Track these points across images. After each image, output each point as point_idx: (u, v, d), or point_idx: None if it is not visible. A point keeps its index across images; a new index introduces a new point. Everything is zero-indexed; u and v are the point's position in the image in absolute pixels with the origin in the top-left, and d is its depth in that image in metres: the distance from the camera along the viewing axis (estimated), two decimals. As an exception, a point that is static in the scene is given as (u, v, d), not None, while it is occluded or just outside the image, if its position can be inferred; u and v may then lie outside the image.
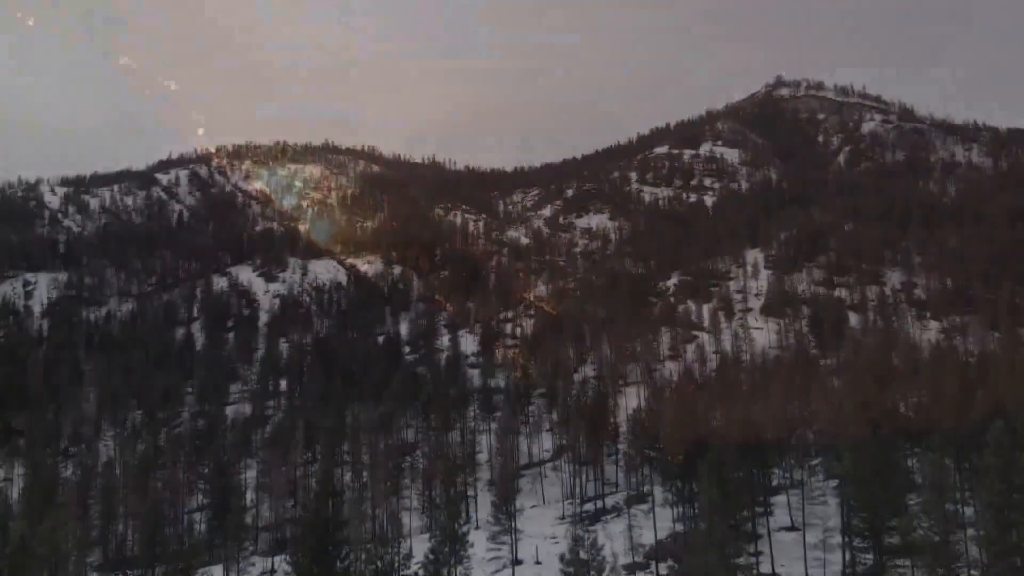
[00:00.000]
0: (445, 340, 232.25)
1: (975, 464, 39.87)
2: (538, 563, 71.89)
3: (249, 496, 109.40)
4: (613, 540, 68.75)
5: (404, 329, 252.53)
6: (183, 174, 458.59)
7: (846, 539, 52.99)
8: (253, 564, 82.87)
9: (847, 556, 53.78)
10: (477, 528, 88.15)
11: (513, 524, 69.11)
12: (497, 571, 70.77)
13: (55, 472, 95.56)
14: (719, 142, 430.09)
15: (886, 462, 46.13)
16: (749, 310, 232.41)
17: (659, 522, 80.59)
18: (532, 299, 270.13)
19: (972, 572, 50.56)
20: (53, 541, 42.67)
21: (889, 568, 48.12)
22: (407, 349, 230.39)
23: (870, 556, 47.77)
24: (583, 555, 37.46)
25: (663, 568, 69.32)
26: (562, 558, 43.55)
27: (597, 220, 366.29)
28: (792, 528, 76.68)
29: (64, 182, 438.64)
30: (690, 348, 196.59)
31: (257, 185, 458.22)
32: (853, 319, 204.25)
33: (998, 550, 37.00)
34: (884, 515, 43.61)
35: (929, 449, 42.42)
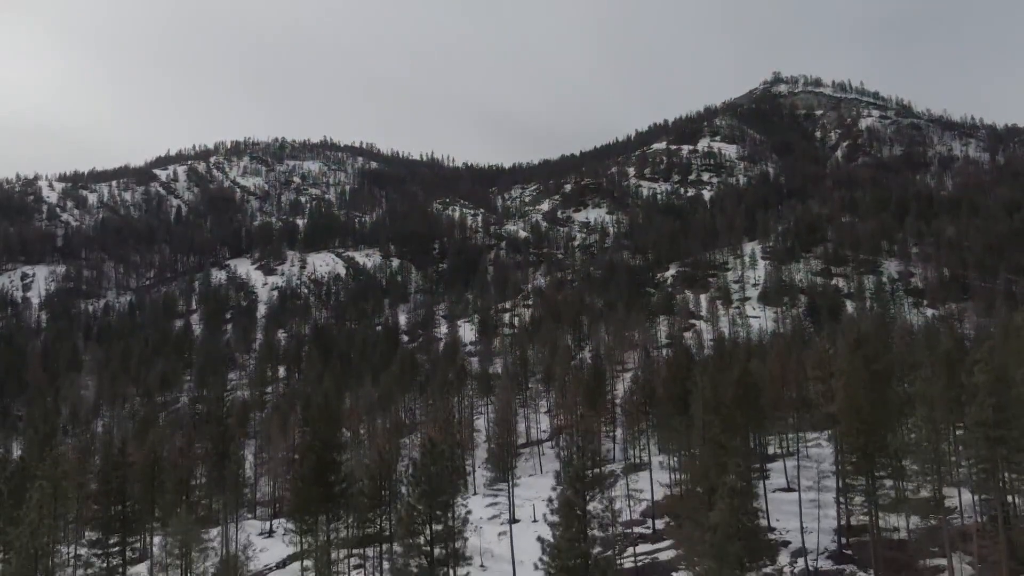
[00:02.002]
0: (443, 329, 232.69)
1: (967, 386, 40.40)
2: (535, 521, 72.40)
3: (248, 474, 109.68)
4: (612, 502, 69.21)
5: (403, 320, 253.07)
6: (181, 170, 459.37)
7: (839, 466, 53.31)
8: (250, 522, 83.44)
9: (841, 482, 54.29)
10: (475, 494, 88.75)
11: (511, 477, 69.41)
12: (493, 517, 71.25)
13: (54, 424, 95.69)
14: (717, 138, 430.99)
15: (880, 393, 46.49)
16: (747, 299, 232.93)
17: (656, 488, 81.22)
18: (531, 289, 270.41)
19: (963, 490, 51.29)
20: (54, 476, 42.98)
21: (880, 494, 48.59)
22: (405, 339, 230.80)
23: (862, 482, 48.07)
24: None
25: (659, 523, 70.05)
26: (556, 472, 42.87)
27: (595, 214, 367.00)
28: (788, 489, 77.33)
29: (62, 178, 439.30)
30: (687, 336, 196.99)
31: (256, 181, 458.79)
32: (850, 307, 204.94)
33: (986, 468, 37.44)
34: (877, 439, 43.87)
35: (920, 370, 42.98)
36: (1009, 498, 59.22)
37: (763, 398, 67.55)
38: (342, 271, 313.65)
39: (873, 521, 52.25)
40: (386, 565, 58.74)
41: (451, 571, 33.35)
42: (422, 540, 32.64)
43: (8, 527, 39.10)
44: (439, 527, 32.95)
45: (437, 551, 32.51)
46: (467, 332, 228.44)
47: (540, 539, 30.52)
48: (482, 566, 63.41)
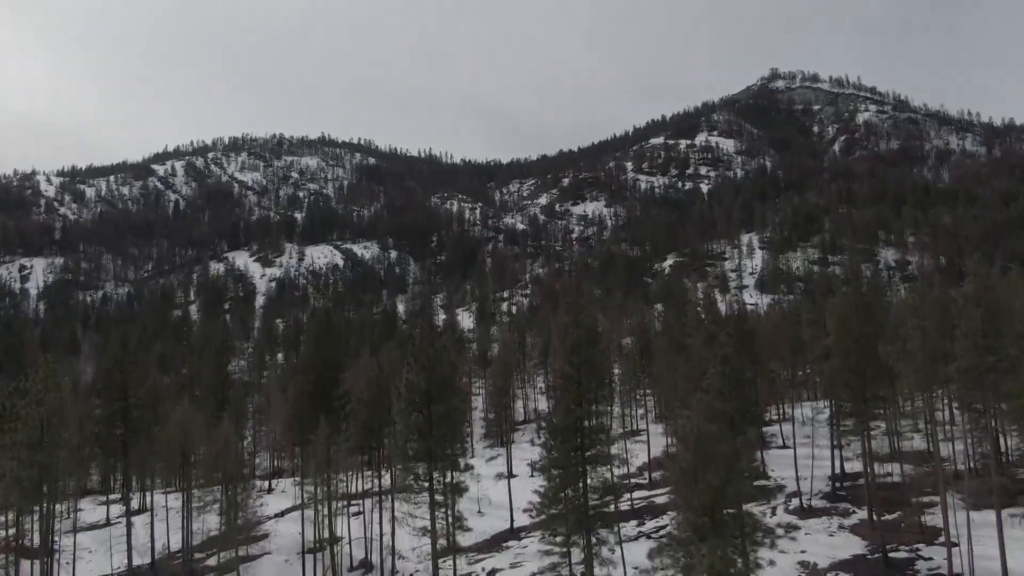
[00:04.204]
0: (442, 318, 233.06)
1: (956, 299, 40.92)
2: (532, 476, 72.95)
3: (248, 441, 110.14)
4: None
5: (401, 308, 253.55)
6: (179, 165, 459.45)
7: (832, 406, 53.70)
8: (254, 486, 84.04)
9: (833, 407, 54.73)
10: (473, 457, 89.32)
11: (508, 436, 69.81)
12: (491, 459, 71.67)
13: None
14: (715, 132, 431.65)
15: (871, 319, 46.81)
16: (744, 287, 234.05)
17: (653, 450, 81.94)
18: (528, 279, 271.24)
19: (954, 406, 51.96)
20: (58, 407, 43.03)
21: (873, 411, 48.95)
22: (404, 327, 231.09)
23: (857, 406, 48.14)
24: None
25: (656, 476, 70.71)
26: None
27: (593, 207, 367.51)
28: (784, 447, 78.05)
29: (60, 173, 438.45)
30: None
31: (254, 176, 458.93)
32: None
33: (974, 377, 37.90)
34: (869, 358, 44.24)
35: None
36: (1002, 445, 60.01)
37: (758, 345, 68.15)
38: (340, 263, 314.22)
39: (867, 459, 52.68)
40: (387, 515, 59.34)
41: (450, 450, 33.85)
42: (421, 419, 33.12)
43: (15, 398, 39.67)
44: (440, 407, 33.39)
45: (436, 430, 33.03)
46: (465, 320, 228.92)
47: (536, 412, 30.88)
48: (479, 512, 63.98)
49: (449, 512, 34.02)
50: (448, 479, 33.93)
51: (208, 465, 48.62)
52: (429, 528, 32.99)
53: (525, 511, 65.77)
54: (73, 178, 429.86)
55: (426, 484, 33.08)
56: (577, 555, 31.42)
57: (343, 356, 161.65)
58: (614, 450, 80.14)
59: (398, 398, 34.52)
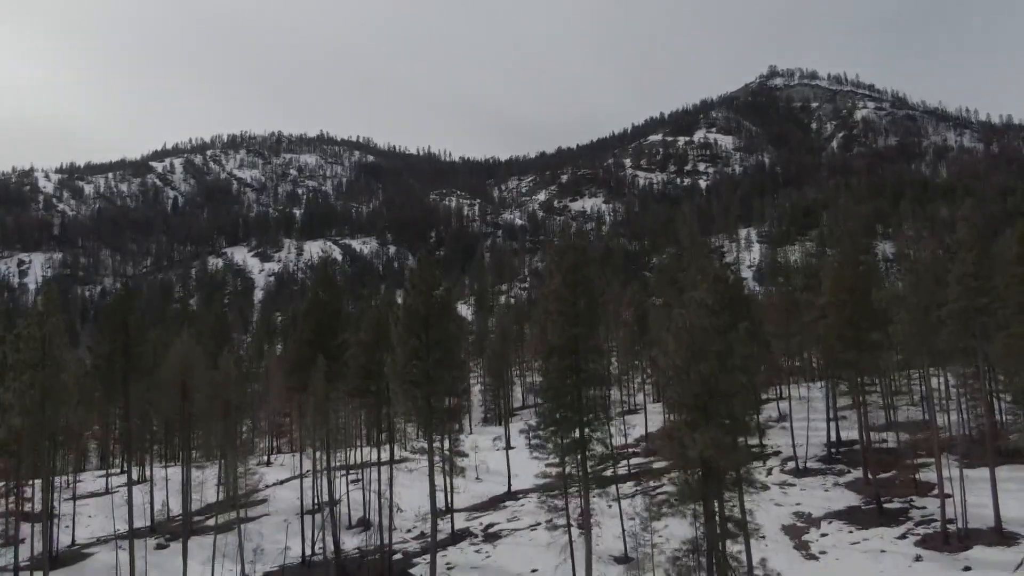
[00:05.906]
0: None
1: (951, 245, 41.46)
2: (529, 447, 73.41)
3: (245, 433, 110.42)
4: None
5: (400, 301, 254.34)
6: (178, 162, 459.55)
7: (828, 368, 54.06)
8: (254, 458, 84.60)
9: (829, 378, 55.10)
10: (471, 434, 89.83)
11: (507, 406, 70.15)
12: (487, 425, 72.05)
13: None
14: (713, 129, 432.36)
15: (864, 276, 47.24)
16: (742, 280, 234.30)
17: (650, 426, 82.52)
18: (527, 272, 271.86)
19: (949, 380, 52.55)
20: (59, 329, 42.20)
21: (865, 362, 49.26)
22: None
23: (851, 356, 48.47)
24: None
25: (653, 447, 71.24)
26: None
27: (591, 203, 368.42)
28: (780, 419, 78.54)
29: (59, 170, 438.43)
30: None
31: (252, 173, 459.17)
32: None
33: (966, 320, 38.35)
34: (862, 308, 44.57)
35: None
36: (995, 409, 60.45)
37: (755, 314, 68.63)
38: (339, 257, 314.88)
39: (862, 412, 53.05)
40: (384, 484, 59.76)
41: (448, 376, 34.25)
42: (418, 343, 33.54)
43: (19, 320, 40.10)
44: (437, 332, 33.79)
45: (432, 355, 33.42)
46: (464, 313, 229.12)
47: (534, 399, 31.06)
48: (478, 479, 64.49)
49: (447, 438, 34.47)
50: (445, 404, 34.39)
51: (210, 395, 49.01)
52: (426, 448, 33.42)
53: (521, 432, 66.49)
54: (71, 175, 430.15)
55: (423, 409, 33.48)
56: (575, 502, 31.68)
57: (342, 304, 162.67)
58: (612, 429, 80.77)
59: (396, 323, 35.05)
